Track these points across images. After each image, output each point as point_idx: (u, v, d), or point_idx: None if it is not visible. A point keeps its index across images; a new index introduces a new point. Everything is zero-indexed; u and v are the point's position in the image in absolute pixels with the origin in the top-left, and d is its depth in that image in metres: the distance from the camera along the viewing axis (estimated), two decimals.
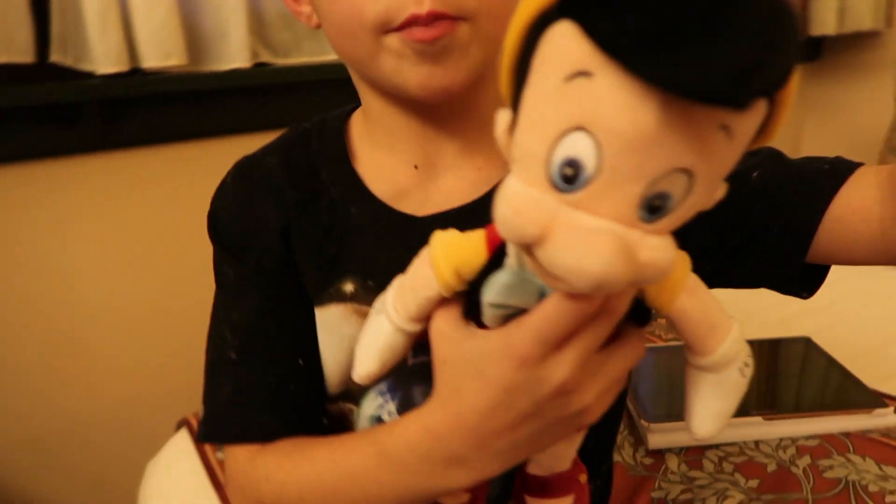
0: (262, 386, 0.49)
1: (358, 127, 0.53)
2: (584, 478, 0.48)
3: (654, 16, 0.22)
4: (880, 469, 0.72)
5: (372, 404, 0.52)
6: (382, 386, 0.51)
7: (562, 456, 0.45)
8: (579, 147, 0.26)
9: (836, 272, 1.32)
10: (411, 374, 0.50)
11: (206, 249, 1.43)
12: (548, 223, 0.26)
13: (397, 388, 0.51)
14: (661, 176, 0.26)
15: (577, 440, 0.45)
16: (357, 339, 0.47)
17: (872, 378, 0.88)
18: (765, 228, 0.47)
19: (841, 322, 1.07)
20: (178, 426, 0.94)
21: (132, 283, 1.26)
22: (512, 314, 0.34)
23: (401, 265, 0.44)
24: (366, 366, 0.41)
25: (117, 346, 1.27)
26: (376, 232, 0.50)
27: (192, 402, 1.09)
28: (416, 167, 0.50)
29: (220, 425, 0.50)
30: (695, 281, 0.36)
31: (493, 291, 0.34)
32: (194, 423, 0.91)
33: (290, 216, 0.50)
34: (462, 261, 0.35)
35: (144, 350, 1.29)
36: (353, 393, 0.52)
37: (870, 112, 1.90)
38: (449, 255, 0.36)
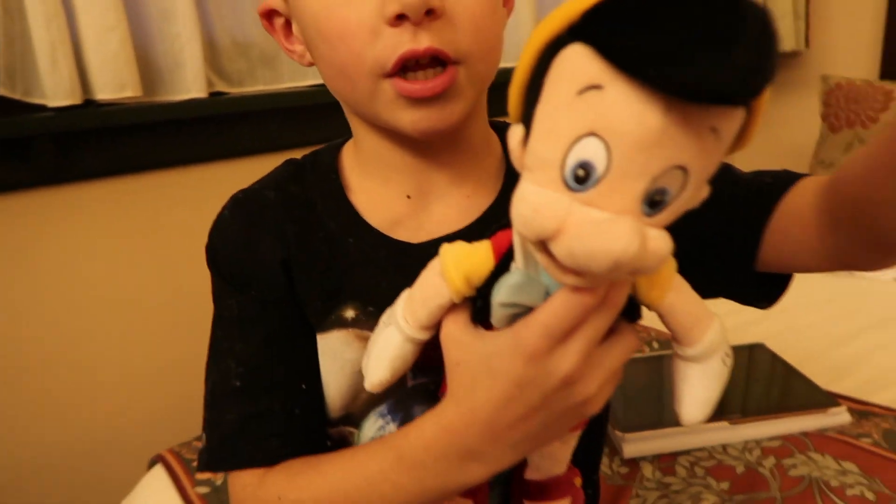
0: (269, 412, 0.50)
1: (350, 160, 0.54)
2: (578, 481, 0.51)
3: (663, 35, 0.26)
4: (839, 465, 0.77)
5: (372, 427, 0.53)
6: (383, 408, 0.52)
7: (558, 459, 0.48)
8: (591, 150, 0.29)
9: None
10: (411, 395, 0.52)
11: (165, 280, 1.41)
12: (564, 218, 0.30)
13: (397, 409, 0.52)
14: (662, 173, 0.29)
15: (572, 442, 0.48)
16: (358, 363, 0.48)
17: (823, 380, 0.93)
18: (715, 239, 0.49)
19: (788, 328, 1.14)
20: (151, 463, 0.92)
21: (91, 317, 1.23)
22: (519, 314, 0.37)
23: (399, 291, 0.46)
24: (378, 374, 0.43)
25: (78, 384, 1.23)
26: (374, 261, 0.51)
27: (162, 441, 1.07)
28: (408, 197, 0.52)
29: (225, 452, 0.50)
30: (680, 280, 0.39)
31: (504, 292, 0.37)
32: (170, 459, 0.89)
33: (291, 249, 0.51)
34: (471, 268, 0.39)
35: (108, 389, 1.26)
36: (354, 416, 0.53)
37: (798, 127, 2.02)
38: (459, 263, 0.39)
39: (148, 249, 1.28)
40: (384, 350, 0.43)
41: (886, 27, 1.87)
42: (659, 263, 0.31)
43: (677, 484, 0.78)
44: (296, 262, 0.51)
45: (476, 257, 0.39)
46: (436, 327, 0.42)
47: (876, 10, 1.90)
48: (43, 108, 1.11)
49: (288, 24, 0.51)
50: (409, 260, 0.50)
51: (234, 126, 1.34)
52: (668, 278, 0.39)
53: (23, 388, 1.18)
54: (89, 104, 1.15)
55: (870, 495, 0.72)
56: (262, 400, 0.50)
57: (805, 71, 2.06)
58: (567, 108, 0.30)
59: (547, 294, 0.36)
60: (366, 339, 0.49)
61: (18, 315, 1.17)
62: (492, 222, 0.52)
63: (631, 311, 0.39)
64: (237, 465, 0.50)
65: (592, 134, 0.29)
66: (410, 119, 0.45)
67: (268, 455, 0.49)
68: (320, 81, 1.52)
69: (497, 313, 0.38)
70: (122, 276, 1.26)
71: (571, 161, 0.30)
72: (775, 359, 0.98)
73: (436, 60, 0.43)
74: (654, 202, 0.31)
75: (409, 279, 0.46)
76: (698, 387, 0.41)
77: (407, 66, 0.43)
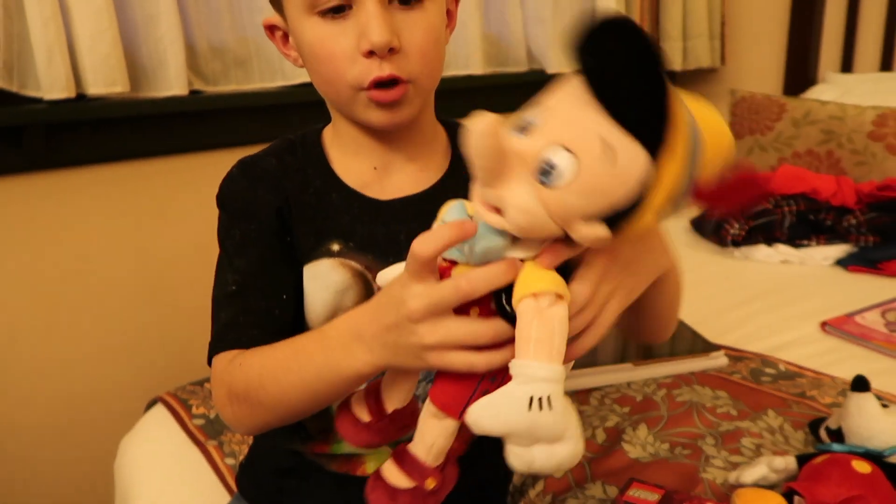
0: (255, 310, 0.65)
1: (330, 138, 0.71)
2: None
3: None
4: (714, 393, 0.98)
5: None
6: None
7: (403, 391, 0.57)
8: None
9: (685, 262, 1.62)
10: None
11: (145, 259, 1.54)
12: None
13: None
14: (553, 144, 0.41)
15: (414, 382, 0.57)
16: (341, 284, 0.66)
17: (712, 335, 1.14)
18: None
19: (690, 298, 1.35)
20: (149, 406, 1.05)
21: (77, 291, 1.35)
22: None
23: (370, 232, 0.66)
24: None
25: (69, 350, 1.35)
26: (351, 211, 0.68)
27: (159, 388, 1.21)
28: (375, 168, 0.69)
29: (219, 341, 0.65)
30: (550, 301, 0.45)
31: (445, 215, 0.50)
32: (168, 399, 1.03)
33: (287, 200, 0.67)
34: None
35: (95, 355, 1.38)
36: None
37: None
38: None
39: (129, 230, 1.41)
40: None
41: (788, 48, 2.14)
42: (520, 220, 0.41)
43: (589, 410, 0.97)
44: (290, 210, 0.67)
45: None
46: None
47: (782, 33, 2.16)
48: (38, 100, 1.24)
49: (286, 35, 0.68)
50: (378, 212, 0.68)
51: (210, 121, 1.48)
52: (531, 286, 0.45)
53: (14, 355, 1.30)
54: (81, 98, 1.28)
55: (734, 412, 0.92)
56: (250, 300, 0.65)
57: (719, 85, 2.31)
58: None
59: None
60: (348, 267, 0.67)
61: (10, 289, 1.29)
62: (441, 192, 0.70)
63: (506, 315, 0.46)
64: (224, 348, 0.64)
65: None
66: (377, 118, 0.63)
67: (249, 341, 0.63)
68: (287, 83, 1.67)
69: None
70: (106, 253, 1.39)
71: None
72: None
73: (394, 80, 0.61)
74: (544, 171, 0.41)
75: (376, 224, 0.65)
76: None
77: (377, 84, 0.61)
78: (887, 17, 1.92)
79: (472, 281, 0.46)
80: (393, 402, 0.55)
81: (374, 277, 0.67)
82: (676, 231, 1.80)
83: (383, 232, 0.68)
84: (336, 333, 0.55)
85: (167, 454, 0.94)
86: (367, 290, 0.67)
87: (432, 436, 0.50)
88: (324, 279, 0.67)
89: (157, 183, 1.44)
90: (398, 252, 0.67)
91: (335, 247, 0.67)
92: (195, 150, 1.48)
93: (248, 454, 0.82)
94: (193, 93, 1.44)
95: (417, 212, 0.68)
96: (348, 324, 0.54)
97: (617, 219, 0.42)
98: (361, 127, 0.67)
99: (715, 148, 0.44)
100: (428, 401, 0.51)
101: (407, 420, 0.55)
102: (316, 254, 0.67)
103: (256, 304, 0.65)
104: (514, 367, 0.43)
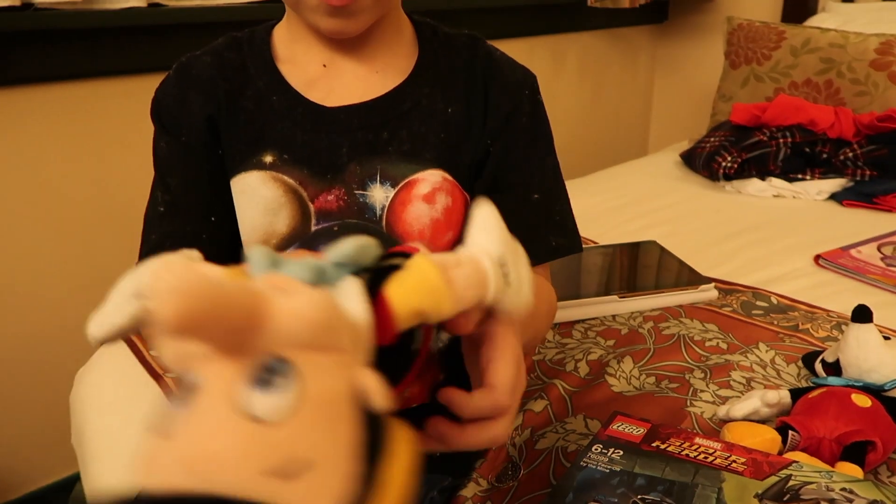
0: (181, 232, 0.61)
1: (281, 33, 0.64)
2: None
3: None
4: (703, 326, 0.93)
5: None
6: (291, 250, 0.63)
7: None
8: None
9: (674, 196, 1.57)
10: (317, 237, 0.62)
11: (105, 185, 1.45)
12: None
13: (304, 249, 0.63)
14: None
15: None
16: (273, 201, 0.60)
17: (702, 268, 1.09)
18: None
19: (679, 230, 1.30)
20: None
21: (24, 219, 1.27)
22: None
23: (310, 143, 0.59)
24: None
25: (22, 279, 1.28)
26: (292, 116, 0.61)
27: None
28: (324, 66, 0.62)
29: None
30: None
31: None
32: None
33: (219, 106, 0.61)
34: None
35: (61, 277, 1.31)
36: None
37: (706, 67, 2.18)
38: None
39: (89, 156, 1.32)
40: None
41: None
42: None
43: (572, 343, 0.92)
44: (222, 116, 0.61)
45: None
46: None
47: None
48: None
49: None
50: (321, 119, 0.61)
51: (173, 38, 1.37)
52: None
53: None
54: (27, 7, 1.17)
55: (723, 345, 0.87)
56: (178, 222, 0.62)
57: (716, 14, 2.21)
58: None
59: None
60: (280, 181, 0.61)
61: None
62: (396, 100, 0.62)
63: None
64: None
65: None
66: (327, 25, 0.56)
67: None
68: None
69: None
70: (63, 180, 1.30)
71: None
72: (663, 251, 1.14)
73: None
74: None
75: (318, 135, 0.59)
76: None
77: None
78: None
79: None
80: None
81: (309, 195, 0.61)
82: (667, 165, 1.73)
83: (324, 142, 0.61)
84: None
85: (123, 387, 0.89)
86: (303, 211, 0.61)
87: None
88: (253, 194, 0.61)
89: (118, 104, 1.34)
90: (337, 167, 0.61)
91: (268, 158, 0.61)
92: (158, 70, 1.37)
93: None
94: (154, 6, 1.33)
95: (364, 122, 0.62)
96: None
97: None
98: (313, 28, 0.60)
99: None
100: None
101: None
102: (246, 165, 0.61)
103: (183, 226, 0.62)
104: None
